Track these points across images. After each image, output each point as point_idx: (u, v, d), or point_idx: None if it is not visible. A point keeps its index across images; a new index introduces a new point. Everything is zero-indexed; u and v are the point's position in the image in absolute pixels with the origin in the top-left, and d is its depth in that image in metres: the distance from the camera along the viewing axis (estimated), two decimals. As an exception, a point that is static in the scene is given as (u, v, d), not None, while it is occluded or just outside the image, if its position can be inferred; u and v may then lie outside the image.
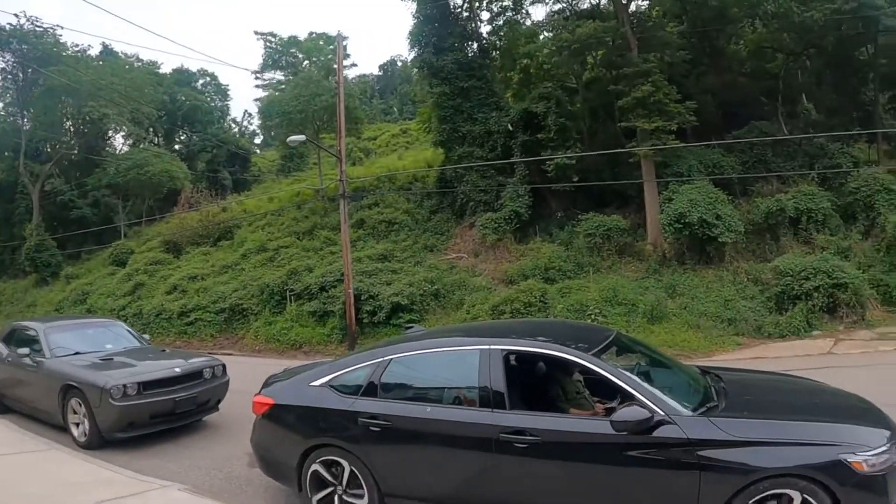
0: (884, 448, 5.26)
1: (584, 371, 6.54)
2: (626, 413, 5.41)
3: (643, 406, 5.46)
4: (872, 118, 28.23)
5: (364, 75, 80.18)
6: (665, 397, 5.67)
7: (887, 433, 5.50)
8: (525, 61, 31.31)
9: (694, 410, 5.64)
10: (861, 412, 6.13)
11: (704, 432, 5.34)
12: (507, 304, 21.72)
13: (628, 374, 6.00)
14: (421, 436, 6.37)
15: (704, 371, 7.31)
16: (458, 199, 29.52)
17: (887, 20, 24.58)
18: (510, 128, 28.19)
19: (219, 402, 11.88)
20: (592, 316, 20.18)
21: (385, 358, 6.87)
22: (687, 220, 22.10)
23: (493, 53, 31.96)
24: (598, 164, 27.36)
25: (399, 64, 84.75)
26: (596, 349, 6.20)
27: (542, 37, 31.88)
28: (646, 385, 5.82)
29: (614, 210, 26.55)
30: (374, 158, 48.89)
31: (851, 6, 24.06)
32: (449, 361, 6.80)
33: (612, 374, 5.88)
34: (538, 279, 23.28)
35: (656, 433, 5.38)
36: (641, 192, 25.42)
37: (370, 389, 6.73)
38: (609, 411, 5.96)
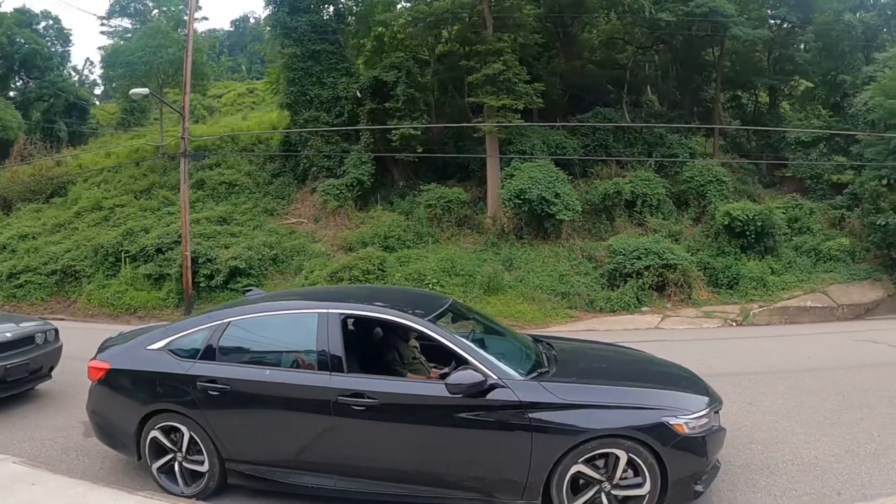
0: (703, 412, 5.69)
1: (421, 336, 6.65)
2: (461, 376, 5.52)
3: (477, 370, 5.57)
4: (711, 114, 30.28)
5: (214, 30, 75.91)
6: (498, 362, 5.85)
7: (706, 399, 5.99)
8: (380, 29, 30.87)
9: (525, 375, 5.86)
10: (683, 380, 6.59)
11: (535, 395, 5.55)
12: (345, 271, 21.38)
13: (463, 339, 6.13)
14: (260, 399, 6.22)
15: (537, 339, 7.60)
16: (301, 164, 28.67)
17: (735, 28, 26.23)
18: (358, 95, 27.65)
19: (52, 369, 10.65)
20: (430, 285, 20.15)
21: (223, 321, 6.63)
22: (527, 197, 22.58)
23: (349, 18, 31.28)
24: (444, 137, 27.63)
25: (252, 21, 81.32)
26: (432, 315, 6.32)
27: (399, 6, 31.54)
28: (479, 350, 6.02)
29: (456, 183, 26.71)
30: (218, 117, 46.54)
31: (703, 10, 25.59)
32: (287, 325, 6.69)
33: (447, 340, 5.99)
34: (377, 247, 23.02)
35: (489, 396, 5.53)
36: (484, 166, 25.80)
37: (208, 353, 6.48)
38: (444, 376, 6.13)
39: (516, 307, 20.13)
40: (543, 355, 6.69)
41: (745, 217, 22.85)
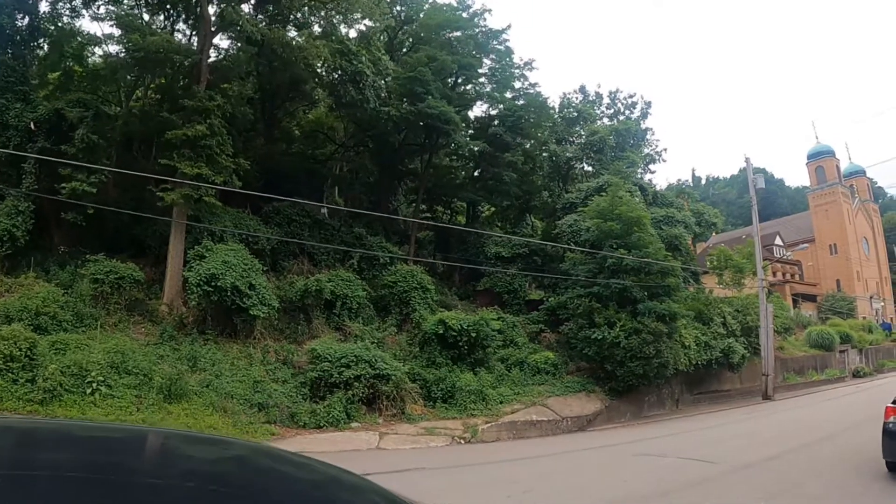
0: None
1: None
2: None
3: None
4: (408, 224, 30.59)
5: None
6: None
7: None
8: (72, 65, 26.56)
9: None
10: None
11: None
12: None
13: None
14: None
15: None
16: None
17: (456, 136, 27.29)
18: (32, 127, 22.62)
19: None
20: (95, 384, 15.88)
21: None
22: (219, 284, 19.71)
23: (42, 40, 26.27)
24: (122, 201, 23.39)
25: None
26: None
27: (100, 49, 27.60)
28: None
29: (129, 258, 22.63)
30: None
31: (432, 112, 26.98)
32: None
33: None
34: (26, 325, 17.79)
35: None
36: (165, 243, 22.35)
37: None
38: None
39: (206, 419, 16.76)
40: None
41: (460, 327, 22.72)
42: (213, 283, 19.75)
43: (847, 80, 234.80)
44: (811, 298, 74.63)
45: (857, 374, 51.30)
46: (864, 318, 74.85)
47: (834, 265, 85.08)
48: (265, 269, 22.97)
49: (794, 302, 68.01)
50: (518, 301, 29.66)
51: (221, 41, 26.77)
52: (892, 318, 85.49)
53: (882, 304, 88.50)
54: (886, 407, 11.58)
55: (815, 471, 13.32)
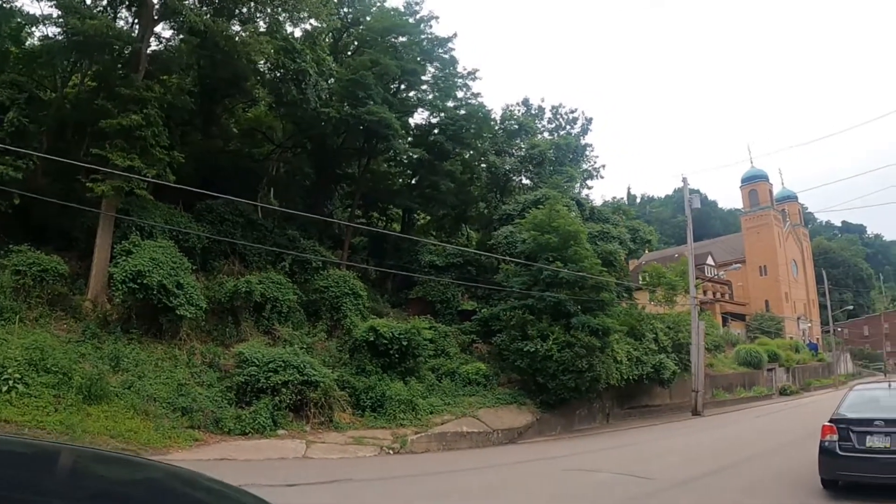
0: None
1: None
2: None
3: None
4: (343, 229, 30.53)
5: None
6: None
7: None
8: (8, 47, 25.77)
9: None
10: None
11: None
12: None
13: None
14: None
15: None
16: None
17: (395, 142, 27.31)
18: None
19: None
20: (11, 382, 15.48)
21: None
22: (145, 282, 19.31)
23: None
24: (51, 191, 22.70)
25: None
26: None
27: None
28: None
29: (55, 250, 22.01)
30: None
31: (371, 119, 26.96)
32: None
33: None
34: None
35: None
36: (92, 237, 21.80)
37: None
38: None
39: (126, 423, 16.33)
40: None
41: (391, 335, 22.83)
42: (139, 281, 19.29)
43: (782, 108, 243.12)
44: (740, 317, 76.95)
45: (783, 393, 53.19)
46: (792, 337, 77.59)
47: (763, 286, 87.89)
48: (194, 268, 22.60)
49: (724, 320, 70.04)
50: (451, 311, 29.94)
51: (164, 30, 26.20)
52: (818, 339, 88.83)
53: (809, 324, 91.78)
54: (823, 426, 11.92)
55: (753, 487, 13.67)
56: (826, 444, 11.67)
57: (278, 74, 28.11)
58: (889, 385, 13.64)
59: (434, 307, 29.72)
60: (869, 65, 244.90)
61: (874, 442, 11.09)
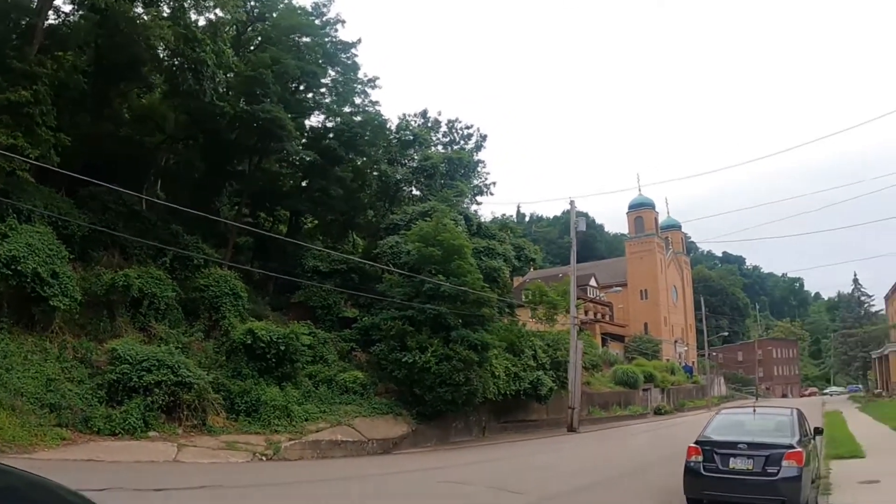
0: None
1: None
2: None
3: None
4: (229, 227, 30.13)
5: None
6: None
7: None
8: None
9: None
10: None
11: None
12: None
13: None
14: None
15: None
16: None
17: (288, 143, 27.29)
18: None
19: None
20: None
21: None
22: (20, 268, 18.84)
23: None
24: None
25: None
26: None
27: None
28: None
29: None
30: None
31: (266, 117, 27.02)
32: None
33: None
34: None
35: None
36: (-37, 216, 21.04)
37: None
38: None
39: (-9, 419, 16.03)
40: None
41: (269, 338, 23.02)
42: (13, 267, 18.77)
43: (673, 137, 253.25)
44: (620, 339, 79.93)
45: (658, 412, 55.73)
46: (668, 360, 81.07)
47: (643, 309, 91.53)
48: (72, 257, 21.92)
49: (604, 341, 72.48)
50: (332, 317, 30.19)
51: (63, 4, 25.77)
52: (693, 362, 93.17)
53: (686, 348, 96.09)
54: (689, 447, 12.44)
55: (622, 503, 14.40)
56: (691, 464, 12.23)
57: (176, 62, 27.79)
58: (753, 410, 14.55)
59: (315, 313, 29.88)
60: (760, 100, 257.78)
61: (737, 464, 11.74)
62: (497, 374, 30.08)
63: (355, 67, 35.65)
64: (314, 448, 20.83)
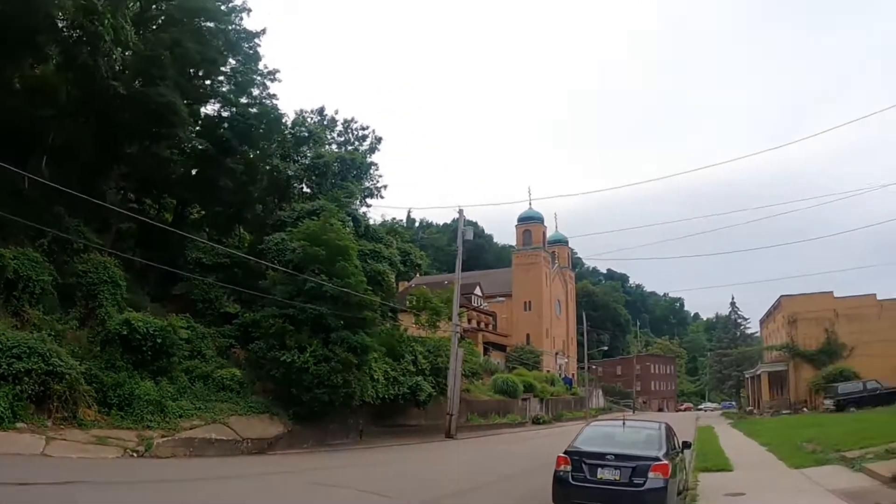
0: None
1: None
2: None
3: None
4: (112, 212, 29.42)
5: None
6: None
7: None
8: None
9: None
10: None
11: None
12: None
13: None
14: None
15: None
16: None
17: (180, 130, 27.10)
18: None
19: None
20: None
21: None
22: None
23: None
24: None
25: None
26: None
27: None
28: None
29: None
30: None
31: (161, 101, 26.77)
32: None
33: None
34: None
35: None
36: None
37: None
38: None
39: None
40: None
41: (146, 331, 22.76)
42: None
43: (563, 154, 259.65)
44: (501, 348, 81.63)
45: (536, 421, 57.55)
46: (549, 371, 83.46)
47: (527, 320, 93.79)
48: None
49: (486, 349, 73.87)
50: (213, 312, 30.05)
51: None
52: (573, 374, 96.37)
53: (566, 360, 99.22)
54: (558, 456, 12.88)
55: None
56: (560, 473, 12.66)
57: (75, 35, 26.71)
58: (623, 423, 15.06)
59: (196, 306, 29.64)
60: (663, 121, 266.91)
61: (605, 474, 12.20)
62: (376, 377, 30.63)
63: (257, 58, 35.60)
64: (187, 446, 20.78)
